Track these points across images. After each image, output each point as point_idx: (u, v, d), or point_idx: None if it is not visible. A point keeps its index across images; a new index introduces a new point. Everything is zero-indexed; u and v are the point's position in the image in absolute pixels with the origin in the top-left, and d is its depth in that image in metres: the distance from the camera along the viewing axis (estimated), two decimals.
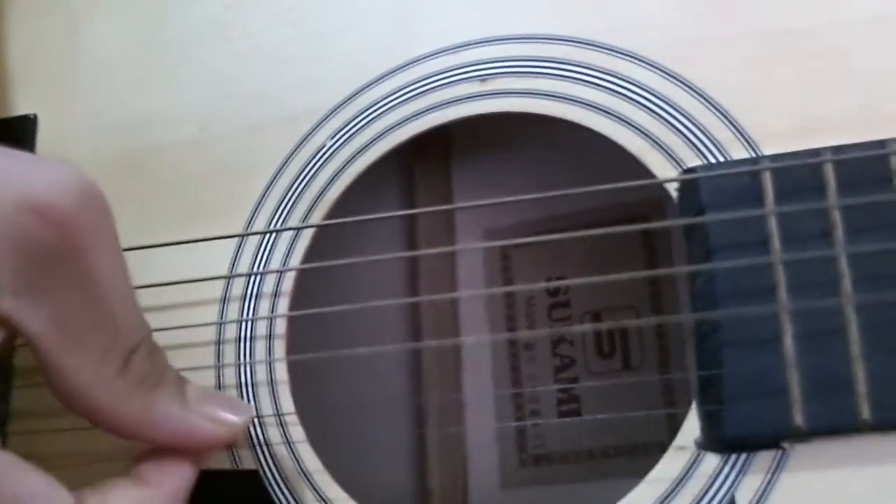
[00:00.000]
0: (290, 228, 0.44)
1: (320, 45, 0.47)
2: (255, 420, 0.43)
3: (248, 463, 0.43)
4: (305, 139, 0.45)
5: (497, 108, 0.43)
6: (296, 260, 0.44)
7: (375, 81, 0.45)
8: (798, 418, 0.35)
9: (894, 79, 0.38)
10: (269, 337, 0.44)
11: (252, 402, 0.43)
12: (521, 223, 0.55)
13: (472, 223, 0.57)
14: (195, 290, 0.45)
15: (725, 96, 0.40)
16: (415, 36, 0.45)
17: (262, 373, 0.44)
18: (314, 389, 0.45)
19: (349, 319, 0.43)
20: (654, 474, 0.38)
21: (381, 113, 0.45)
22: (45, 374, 0.33)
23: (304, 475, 0.43)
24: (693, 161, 0.39)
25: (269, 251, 0.45)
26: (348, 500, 0.42)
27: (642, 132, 0.41)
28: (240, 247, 0.45)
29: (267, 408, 0.43)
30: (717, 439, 0.36)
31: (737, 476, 0.36)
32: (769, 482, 0.36)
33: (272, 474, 0.43)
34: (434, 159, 0.57)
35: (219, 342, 0.44)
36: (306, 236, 0.45)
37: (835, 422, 0.35)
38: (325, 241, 0.45)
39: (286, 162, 0.45)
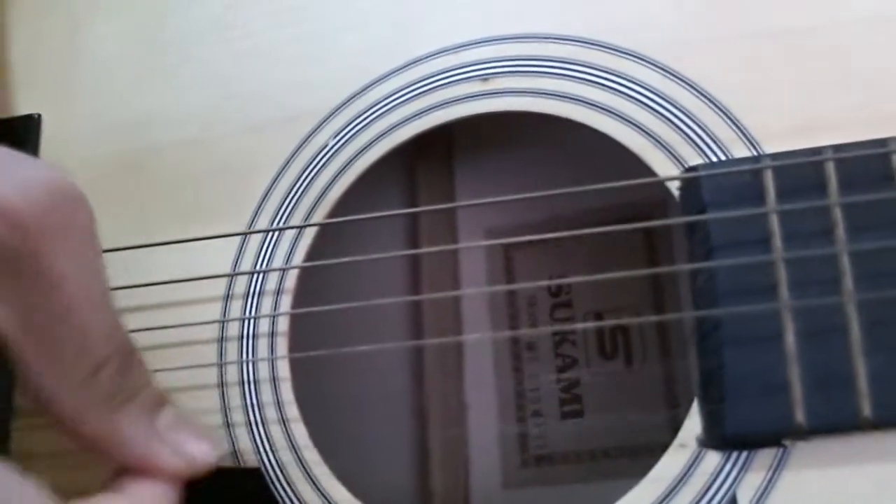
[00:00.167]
0: (292, 227, 0.45)
1: (321, 46, 0.47)
2: (258, 418, 0.43)
3: (250, 461, 0.43)
4: (307, 139, 0.46)
5: (499, 108, 0.43)
6: (298, 258, 0.44)
7: (377, 81, 0.45)
8: (799, 416, 0.35)
9: (891, 78, 0.38)
10: (272, 334, 0.44)
11: (255, 399, 0.43)
12: (523, 224, 0.56)
13: (473, 223, 0.57)
14: (198, 289, 0.45)
15: (727, 95, 0.40)
16: (416, 36, 0.45)
17: (264, 370, 0.44)
18: (316, 387, 0.45)
19: (351, 318, 0.43)
20: (655, 472, 0.38)
21: (383, 112, 0.45)
22: (21, 374, 0.33)
23: (307, 473, 0.43)
24: (695, 160, 0.39)
25: (272, 250, 0.45)
26: (351, 498, 0.42)
27: (644, 131, 0.41)
28: (242, 245, 0.45)
29: (269, 405, 0.43)
30: (718, 437, 0.36)
31: (738, 474, 0.36)
32: (770, 480, 0.36)
33: (274, 472, 0.43)
34: (436, 159, 0.57)
35: (222, 340, 0.44)
36: (309, 235, 0.45)
37: (836, 420, 0.35)
38: (328, 239, 0.45)
39: (288, 161, 0.46)
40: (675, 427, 0.38)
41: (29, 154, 0.33)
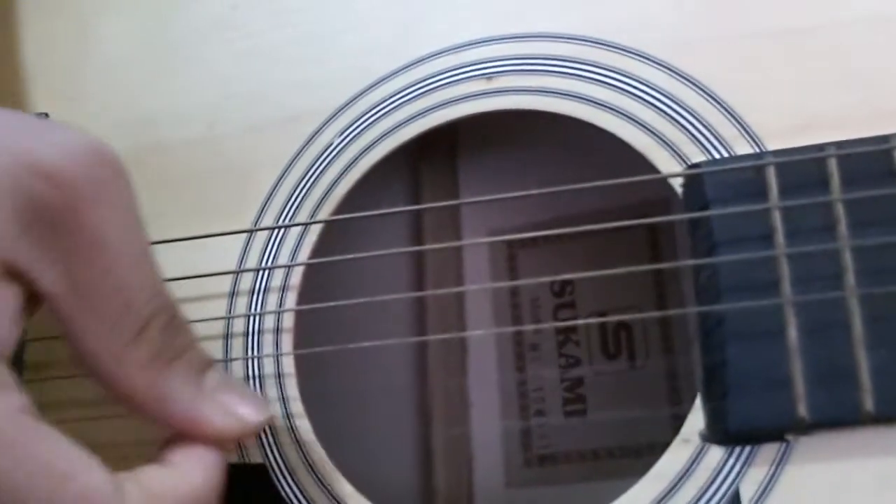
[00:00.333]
0: (298, 224, 0.45)
1: (322, 46, 0.47)
2: None
3: (255, 457, 0.43)
4: (312, 138, 0.46)
5: (503, 106, 0.43)
6: (304, 256, 0.45)
7: (381, 81, 0.45)
8: (802, 411, 0.35)
9: (892, 76, 0.38)
10: (277, 331, 0.44)
11: (259, 395, 0.44)
12: (527, 224, 0.56)
13: (477, 223, 0.57)
14: (204, 286, 0.45)
15: (730, 94, 0.40)
16: (418, 36, 0.45)
17: (269, 367, 0.44)
18: (321, 384, 0.45)
19: (355, 315, 0.43)
20: (658, 467, 0.38)
21: (388, 111, 0.45)
22: (64, 335, 0.33)
23: (312, 469, 0.43)
24: (698, 158, 0.40)
25: (278, 247, 0.45)
26: (356, 494, 0.42)
27: (648, 129, 0.41)
28: (248, 243, 0.46)
29: (274, 401, 0.43)
30: (721, 432, 0.37)
31: (741, 468, 0.36)
32: (773, 474, 0.36)
33: (279, 468, 0.43)
34: (441, 158, 0.58)
35: (227, 336, 0.45)
36: (313, 232, 0.45)
37: (838, 414, 0.35)
38: (332, 237, 0.45)
39: (293, 160, 0.46)
40: (678, 426, 0.38)
41: None
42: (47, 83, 0.52)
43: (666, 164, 0.40)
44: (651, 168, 0.41)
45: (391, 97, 0.45)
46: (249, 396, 0.36)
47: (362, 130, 0.45)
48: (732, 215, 0.37)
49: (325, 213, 0.45)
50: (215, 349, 0.44)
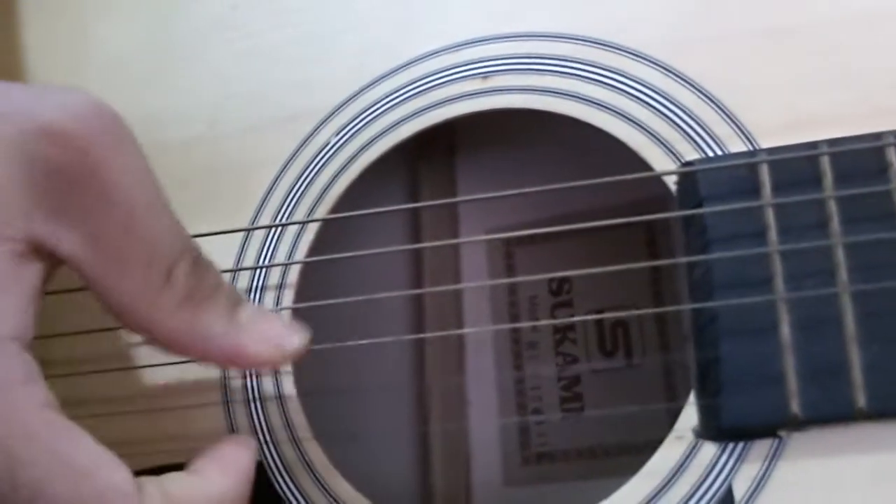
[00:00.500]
0: (295, 223, 0.45)
1: (321, 46, 0.47)
2: (260, 412, 0.44)
3: None
4: (309, 138, 0.46)
5: (499, 105, 0.43)
6: (300, 254, 0.45)
7: (378, 80, 0.46)
8: (794, 407, 0.35)
9: (887, 73, 0.38)
10: None
11: (256, 394, 0.44)
12: (524, 223, 0.56)
13: (475, 223, 0.57)
14: None
15: (724, 92, 0.40)
16: (416, 36, 0.46)
17: None
18: (318, 382, 0.46)
19: (352, 314, 0.44)
20: (651, 464, 0.38)
21: (385, 110, 0.45)
22: (94, 295, 0.33)
23: (309, 467, 0.43)
24: (692, 156, 0.40)
25: (275, 246, 0.45)
26: (353, 493, 0.43)
27: (643, 128, 0.41)
28: (245, 242, 0.46)
29: (271, 400, 0.44)
30: (714, 428, 0.37)
31: (734, 465, 0.37)
32: (766, 470, 0.36)
33: (276, 466, 0.43)
34: (439, 156, 0.58)
35: None
36: (311, 231, 0.45)
37: (831, 410, 0.35)
38: (330, 236, 0.46)
39: (290, 159, 0.46)
40: (674, 423, 0.39)
41: None
42: (49, 83, 0.52)
43: (660, 162, 0.40)
44: (646, 166, 0.41)
45: (388, 96, 0.45)
46: (286, 324, 0.37)
47: (359, 129, 0.45)
48: (726, 213, 0.38)
49: (321, 212, 0.45)
50: None
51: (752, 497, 0.36)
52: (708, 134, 0.40)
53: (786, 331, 0.36)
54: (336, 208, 0.45)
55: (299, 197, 0.46)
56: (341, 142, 0.46)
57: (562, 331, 0.55)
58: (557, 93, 0.43)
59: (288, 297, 0.45)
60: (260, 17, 0.49)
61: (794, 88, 0.39)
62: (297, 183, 0.46)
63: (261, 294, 0.45)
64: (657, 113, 0.41)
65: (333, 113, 0.46)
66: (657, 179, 0.40)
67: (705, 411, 0.37)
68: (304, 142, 0.46)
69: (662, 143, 0.41)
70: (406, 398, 0.56)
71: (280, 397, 0.44)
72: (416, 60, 0.45)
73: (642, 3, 0.42)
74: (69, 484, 0.30)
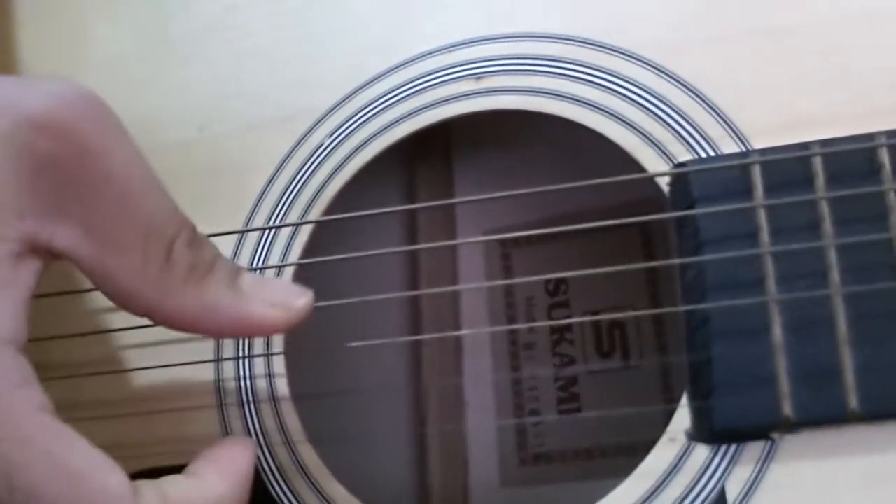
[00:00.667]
0: (289, 224, 0.45)
1: (318, 47, 0.47)
2: (254, 414, 0.44)
3: None
4: (304, 138, 0.46)
5: (492, 106, 0.43)
6: (294, 256, 0.45)
7: (372, 81, 0.46)
8: (787, 409, 0.35)
9: (880, 73, 0.38)
10: None
11: (250, 395, 0.44)
12: (520, 225, 0.56)
13: (472, 225, 0.57)
14: None
15: (717, 93, 0.40)
16: (410, 37, 0.46)
17: (260, 367, 0.44)
18: (313, 384, 0.46)
19: (348, 315, 0.43)
20: (644, 466, 0.38)
21: (379, 111, 0.45)
22: (97, 286, 0.33)
23: (303, 471, 0.43)
24: (685, 157, 0.40)
25: (269, 247, 0.45)
26: (348, 496, 0.43)
27: (636, 129, 0.41)
28: (239, 244, 0.46)
29: (265, 402, 0.44)
30: (706, 430, 0.37)
31: (727, 467, 0.37)
32: (759, 473, 0.36)
33: (270, 469, 0.43)
34: (436, 157, 0.58)
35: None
36: (305, 232, 0.45)
37: (823, 412, 0.35)
38: (327, 236, 0.46)
39: (285, 160, 0.46)
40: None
41: None
42: None
43: (653, 163, 0.40)
44: (639, 167, 0.41)
45: (382, 97, 0.45)
46: (287, 286, 0.37)
47: (354, 130, 0.45)
48: (718, 214, 0.37)
49: (316, 213, 0.45)
50: (205, 350, 0.45)
51: (745, 499, 0.36)
52: (700, 134, 0.40)
53: (778, 332, 0.36)
54: (331, 209, 0.45)
55: (294, 197, 0.45)
56: (336, 142, 0.46)
57: (559, 332, 0.55)
58: (551, 94, 0.43)
59: None
60: (258, 18, 0.49)
61: (788, 89, 0.39)
62: (290, 184, 0.46)
63: None
64: (650, 114, 0.41)
65: (329, 113, 0.46)
66: (650, 180, 0.40)
67: (698, 413, 0.37)
68: (300, 142, 0.46)
69: (655, 144, 0.41)
70: (403, 400, 0.56)
71: (274, 400, 0.44)
72: (411, 61, 0.45)
73: (635, 5, 0.42)
74: (64, 487, 0.30)
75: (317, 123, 0.46)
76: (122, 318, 0.45)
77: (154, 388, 0.45)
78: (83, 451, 0.31)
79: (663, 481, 0.37)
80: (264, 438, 0.43)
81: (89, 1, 0.52)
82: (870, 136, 0.36)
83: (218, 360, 0.44)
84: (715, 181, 0.38)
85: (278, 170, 0.46)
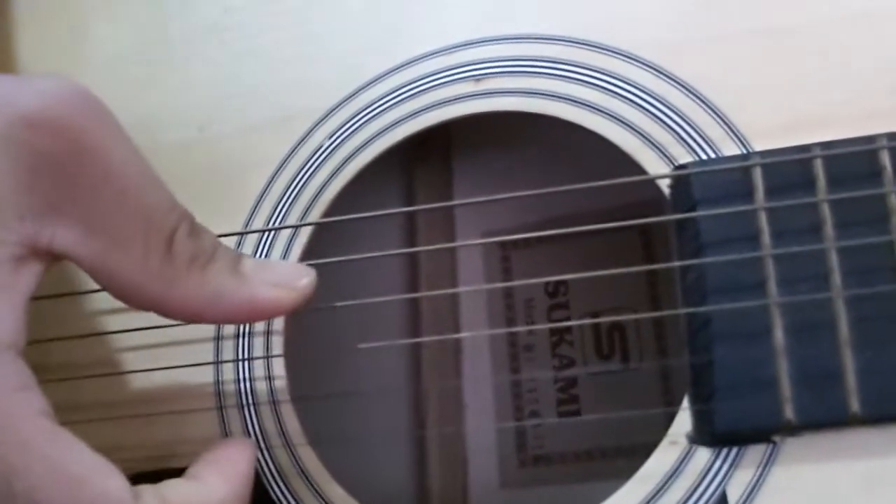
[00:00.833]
0: (290, 226, 0.45)
1: (317, 47, 0.47)
2: (253, 416, 0.44)
3: None
4: (303, 139, 0.46)
5: (491, 108, 0.43)
6: (294, 258, 0.45)
7: (372, 82, 0.45)
8: (788, 412, 0.35)
9: (881, 75, 0.38)
10: (268, 333, 0.44)
11: (250, 398, 0.44)
12: (520, 226, 0.56)
13: (471, 226, 0.57)
14: None
15: (717, 94, 0.40)
16: (410, 38, 0.45)
17: (259, 369, 0.44)
18: (313, 386, 0.46)
19: (347, 317, 0.43)
20: (645, 469, 0.38)
21: (378, 113, 0.45)
22: (99, 284, 0.33)
23: (303, 473, 0.43)
24: (686, 159, 0.40)
25: (268, 250, 0.45)
26: (347, 498, 0.42)
27: (636, 130, 0.41)
28: (239, 246, 0.46)
29: (265, 404, 0.44)
30: (708, 433, 0.37)
31: (728, 470, 0.36)
32: (760, 476, 0.36)
33: (270, 471, 0.43)
34: (435, 159, 0.58)
35: (217, 338, 0.45)
36: (304, 234, 0.45)
37: (825, 415, 0.35)
38: (326, 238, 0.45)
39: (284, 161, 0.46)
40: (671, 426, 0.39)
41: None
42: None
43: (653, 164, 0.40)
44: (639, 170, 0.41)
45: (381, 99, 0.45)
46: (289, 266, 0.38)
47: (353, 132, 0.45)
48: (719, 216, 0.37)
49: (316, 214, 0.45)
50: (205, 352, 0.44)
51: (747, 502, 0.36)
52: (700, 136, 0.40)
53: (779, 335, 0.35)
54: (331, 211, 0.45)
55: (293, 200, 0.45)
56: (336, 144, 0.45)
57: (558, 333, 0.55)
58: (550, 95, 0.42)
59: None
60: (256, 19, 0.49)
61: (789, 90, 0.39)
62: (290, 186, 0.46)
63: None
64: (650, 115, 0.41)
65: (328, 115, 0.46)
66: (650, 182, 0.40)
67: (699, 416, 0.37)
68: (299, 143, 0.46)
69: (656, 145, 0.40)
70: (403, 402, 0.56)
71: (274, 402, 0.44)
72: (410, 62, 0.45)
73: (634, 6, 0.42)
74: (64, 492, 0.30)
75: (316, 124, 0.46)
76: (121, 320, 0.45)
77: (154, 391, 0.45)
78: (83, 456, 0.31)
79: (664, 484, 0.37)
80: (264, 441, 0.43)
81: (89, 1, 0.52)
82: (871, 139, 0.36)
83: (218, 363, 0.44)
84: (716, 183, 0.38)
85: (278, 171, 0.46)
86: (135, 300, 0.34)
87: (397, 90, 0.45)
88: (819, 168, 0.36)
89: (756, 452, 0.36)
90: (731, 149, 0.39)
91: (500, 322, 0.56)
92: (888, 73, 0.38)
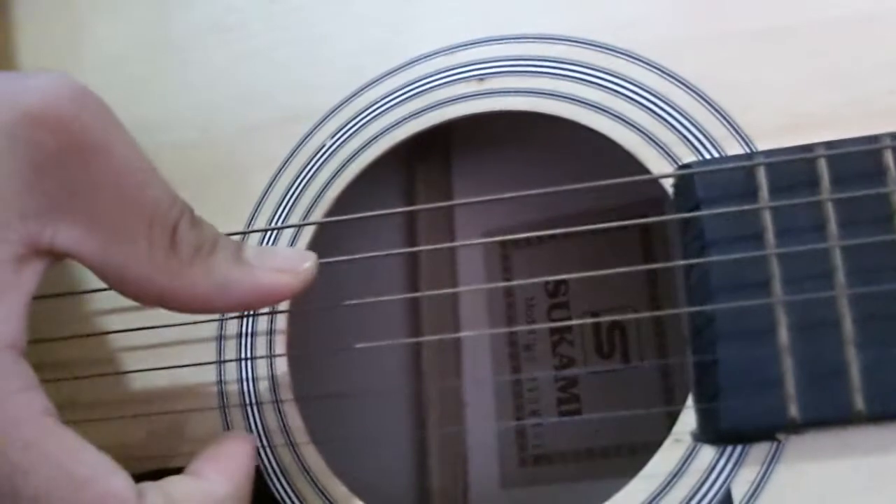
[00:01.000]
0: (291, 226, 0.45)
1: (318, 48, 0.47)
2: (256, 416, 0.44)
3: None
4: (305, 139, 0.46)
5: (494, 107, 0.43)
6: None
7: (374, 82, 0.45)
8: (793, 410, 0.35)
9: (883, 74, 0.38)
10: (270, 332, 0.44)
11: (253, 397, 0.44)
12: (521, 226, 0.56)
13: (471, 225, 0.57)
14: None
15: (721, 94, 0.40)
16: (411, 38, 0.45)
17: (262, 368, 0.44)
18: (314, 385, 0.46)
19: (349, 317, 0.43)
20: (650, 467, 0.38)
21: (380, 113, 0.45)
22: (104, 281, 0.33)
23: (306, 471, 0.43)
24: (689, 158, 0.40)
25: None
26: (350, 496, 0.43)
27: (639, 130, 0.41)
28: None
29: (267, 403, 0.44)
30: (712, 431, 0.37)
31: (733, 468, 0.37)
32: (765, 474, 0.36)
33: (273, 470, 0.43)
34: (435, 159, 0.58)
35: (220, 338, 0.45)
36: (306, 234, 0.45)
37: (829, 413, 0.35)
38: (327, 238, 0.45)
39: (286, 162, 0.46)
40: (672, 425, 0.39)
41: None
42: None
43: (656, 164, 0.40)
44: (642, 169, 0.41)
45: (383, 99, 0.45)
46: (290, 251, 0.39)
47: (355, 132, 0.45)
48: (723, 215, 0.37)
49: (317, 215, 0.45)
50: (208, 352, 0.44)
51: (751, 500, 0.36)
52: (704, 135, 0.40)
53: (784, 334, 0.36)
54: (332, 211, 0.45)
55: (295, 200, 0.45)
56: (338, 144, 0.45)
57: (559, 332, 0.55)
58: (553, 95, 0.43)
59: (284, 301, 0.44)
60: (257, 19, 0.49)
61: (792, 90, 0.39)
62: (292, 186, 0.46)
63: None
64: (653, 115, 0.41)
65: (330, 115, 0.46)
66: (654, 182, 0.40)
67: (703, 414, 0.37)
68: (301, 144, 0.46)
69: (659, 145, 0.41)
70: (403, 401, 0.56)
71: (277, 402, 0.44)
72: (412, 62, 0.45)
73: (637, 5, 0.42)
74: (69, 491, 0.30)
75: (318, 125, 0.46)
76: (123, 320, 0.45)
77: (156, 390, 0.45)
78: (87, 455, 0.31)
79: (669, 482, 0.37)
80: (267, 439, 0.43)
81: (89, 1, 0.52)
82: (874, 138, 0.36)
83: (220, 362, 0.44)
84: (719, 183, 0.38)
85: (280, 171, 0.46)
86: (142, 295, 0.34)
87: (399, 90, 0.45)
88: (823, 167, 0.36)
89: (760, 450, 0.36)
90: (734, 148, 0.39)
91: (500, 321, 0.56)
92: (891, 73, 0.38)
